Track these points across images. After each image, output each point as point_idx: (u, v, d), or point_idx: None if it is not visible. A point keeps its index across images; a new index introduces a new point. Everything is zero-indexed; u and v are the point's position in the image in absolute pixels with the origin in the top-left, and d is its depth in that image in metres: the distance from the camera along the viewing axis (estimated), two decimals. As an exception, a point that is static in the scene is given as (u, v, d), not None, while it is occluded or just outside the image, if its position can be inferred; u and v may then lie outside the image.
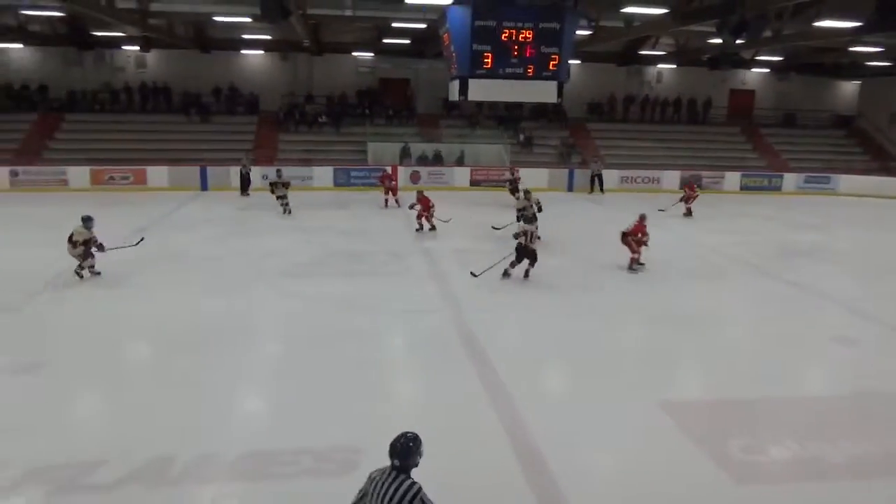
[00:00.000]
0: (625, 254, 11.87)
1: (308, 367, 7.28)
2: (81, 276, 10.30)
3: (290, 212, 16.74)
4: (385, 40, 22.62)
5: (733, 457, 5.60)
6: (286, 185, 17.02)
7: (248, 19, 17.71)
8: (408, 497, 3.26)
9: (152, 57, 24.73)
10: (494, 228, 14.07)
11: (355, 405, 6.28)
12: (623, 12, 16.21)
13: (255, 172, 20.50)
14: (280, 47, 24.53)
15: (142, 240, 11.69)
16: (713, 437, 5.92)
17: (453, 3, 10.07)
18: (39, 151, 21.84)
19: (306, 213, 17.03)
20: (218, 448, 5.46)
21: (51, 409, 6.18)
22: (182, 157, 21.77)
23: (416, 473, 3.47)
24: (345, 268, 11.67)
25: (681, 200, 18.17)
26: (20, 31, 21.55)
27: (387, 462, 3.44)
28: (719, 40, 18.56)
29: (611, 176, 23.12)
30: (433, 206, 14.76)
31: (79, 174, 20.55)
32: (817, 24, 15.74)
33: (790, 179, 24.59)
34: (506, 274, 10.83)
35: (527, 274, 10.84)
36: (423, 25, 18.20)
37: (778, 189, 24.36)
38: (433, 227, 14.75)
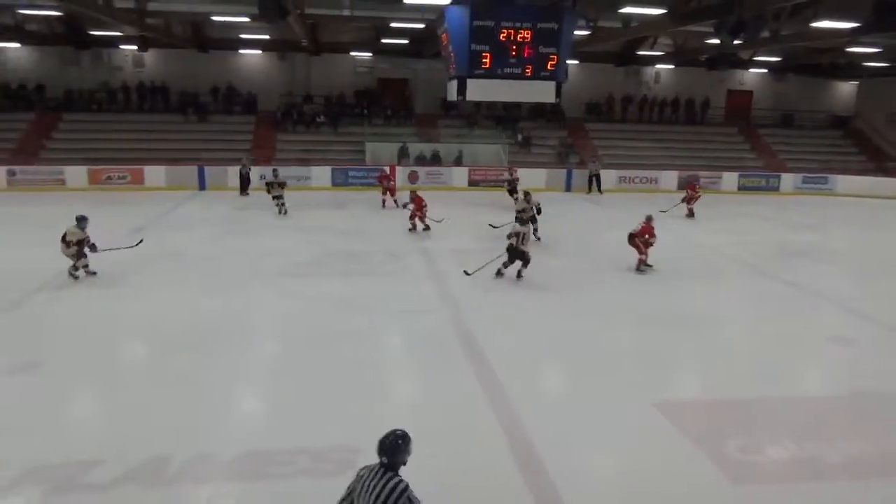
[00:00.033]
0: (623, 254, 11.89)
1: (306, 367, 7.27)
2: (76, 277, 10.25)
3: (285, 212, 16.72)
4: (383, 40, 22.62)
5: (730, 457, 5.61)
6: (282, 185, 16.99)
7: (245, 19, 17.72)
8: (394, 495, 3.26)
9: (150, 56, 24.69)
10: (492, 227, 14.08)
11: (353, 405, 6.27)
12: (621, 13, 16.22)
13: (255, 173, 20.49)
14: (278, 47, 24.51)
15: (140, 241, 11.65)
16: (710, 437, 5.93)
17: (452, 3, 10.07)
18: (37, 151, 21.79)
19: (304, 212, 17.02)
20: (215, 448, 5.45)
21: (48, 408, 6.17)
22: (180, 157, 21.74)
23: (413, 472, 3.47)
24: (343, 268, 11.67)
25: (682, 201, 18.06)
26: (17, 31, 21.50)
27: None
28: (717, 41, 18.61)
29: (609, 176, 23.13)
30: (426, 205, 14.76)
31: (76, 174, 20.52)
32: (815, 24, 15.77)
33: (787, 180, 24.63)
34: (499, 273, 10.85)
35: (519, 274, 10.84)
36: (421, 25, 18.20)
37: (775, 189, 24.39)
38: (427, 227, 14.76)
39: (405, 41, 22.67)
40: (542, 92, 10.39)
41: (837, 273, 12.41)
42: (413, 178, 22.19)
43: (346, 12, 18.12)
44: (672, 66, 27.11)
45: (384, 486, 3.29)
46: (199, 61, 24.58)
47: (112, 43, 23.65)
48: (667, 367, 7.71)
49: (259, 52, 25.14)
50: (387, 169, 21.06)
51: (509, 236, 10.76)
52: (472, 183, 22.91)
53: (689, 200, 18.02)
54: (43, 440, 5.55)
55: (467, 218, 16.53)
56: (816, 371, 8.07)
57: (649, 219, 11.78)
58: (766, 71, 27.67)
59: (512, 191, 19.00)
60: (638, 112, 27.53)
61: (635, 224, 11.85)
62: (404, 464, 3.45)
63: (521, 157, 23.90)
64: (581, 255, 13.21)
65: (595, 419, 6.20)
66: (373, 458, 3.48)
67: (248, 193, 19.93)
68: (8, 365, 7.05)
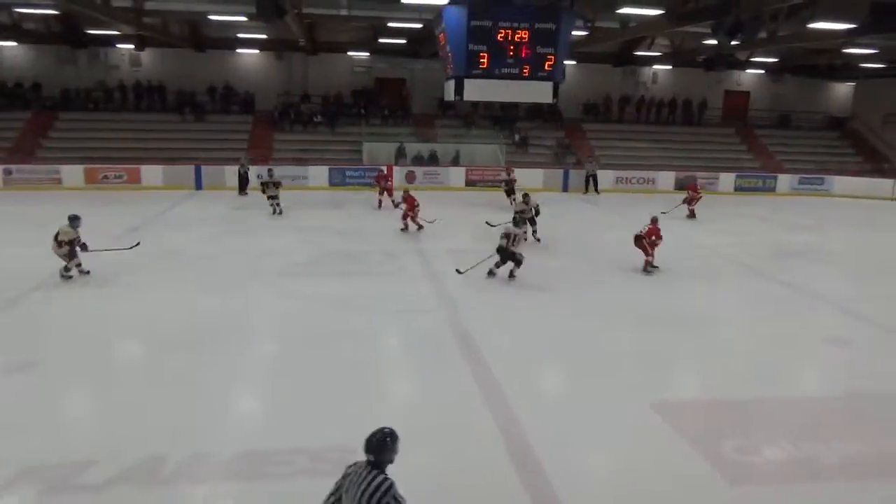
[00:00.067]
0: (621, 254, 11.91)
1: (303, 367, 7.26)
2: (69, 277, 10.18)
3: (280, 212, 16.65)
4: (381, 40, 22.62)
5: (727, 457, 5.61)
6: (277, 185, 16.90)
7: (243, 18, 17.70)
8: (379, 493, 3.26)
9: (147, 55, 24.64)
10: (489, 225, 14.08)
11: (350, 405, 6.26)
12: (619, 13, 16.22)
13: (253, 173, 20.45)
14: (275, 46, 24.48)
15: (137, 244, 11.55)
16: (707, 437, 5.93)
17: (449, 3, 10.06)
18: (33, 150, 21.74)
19: (301, 212, 17.00)
20: (212, 448, 5.44)
21: (43, 408, 6.16)
22: (177, 157, 21.71)
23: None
24: (340, 268, 11.66)
25: (684, 202, 17.97)
26: (14, 29, 21.45)
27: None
28: (714, 41, 18.62)
29: (606, 176, 23.15)
30: (418, 205, 14.75)
31: (72, 173, 20.48)
32: (812, 25, 15.79)
33: (784, 180, 24.68)
34: (490, 274, 10.86)
35: (511, 275, 10.84)
36: (418, 25, 18.19)
37: (772, 190, 24.45)
38: (420, 227, 14.75)
39: (403, 41, 22.66)
40: (539, 92, 10.38)
41: (834, 274, 12.43)
42: (410, 178, 22.19)
43: (344, 12, 18.09)
44: (669, 67, 27.14)
45: (369, 484, 3.29)
46: (196, 60, 24.53)
47: (109, 42, 23.60)
48: (664, 368, 7.71)
49: (256, 51, 25.11)
50: (384, 169, 21.05)
51: (501, 237, 10.76)
52: (470, 183, 22.91)
53: (690, 201, 17.96)
54: (39, 440, 5.53)
55: (464, 218, 16.54)
56: (813, 372, 8.08)
57: (654, 220, 11.81)
58: (763, 72, 27.73)
59: (509, 191, 19.01)
60: (635, 112, 27.57)
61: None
62: (391, 462, 3.44)
63: (518, 158, 23.90)
64: (579, 255, 13.22)
65: (592, 419, 6.20)
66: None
67: (246, 193, 19.91)
68: (4, 364, 7.02)
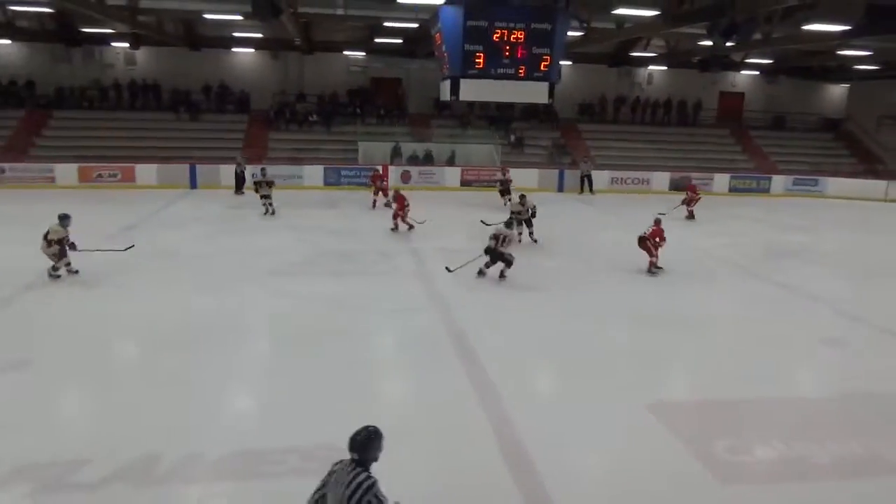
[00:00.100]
0: (616, 255, 11.96)
1: (298, 366, 7.25)
2: (58, 276, 10.10)
3: (273, 212, 16.55)
4: (377, 39, 22.59)
5: (720, 457, 5.63)
6: (270, 185, 16.80)
7: (238, 17, 17.64)
8: (360, 490, 3.27)
9: (142, 54, 24.55)
10: (484, 224, 14.09)
11: (344, 404, 6.25)
12: (614, 14, 16.25)
13: (250, 172, 20.36)
14: (271, 45, 24.44)
15: (131, 246, 11.43)
16: (700, 437, 5.95)
17: (445, 3, 10.05)
18: (26, 148, 21.64)
19: (296, 212, 16.97)
20: (206, 447, 5.43)
21: (38, 406, 6.14)
22: (171, 156, 21.64)
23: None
24: (335, 267, 11.65)
25: (682, 203, 17.97)
26: (8, 27, 21.38)
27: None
28: (709, 42, 18.68)
29: (601, 177, 23.19)
30: (409, 205, 14.75)
31: (66, 171, 20.41)
32: (806, 27, 15.84)
33: (778, 181, 24.76)
34: (480, 273, 10.87)
35: (502, 275, 10.84)
36: (415, 25, 18.17)
37: (766, 191, 24.53)
38: (410, 227, 14.75)
39: (399, 41, 22.65)
40: (535, 92, 10.38)
41: (828, 275, 12.48)
42: (406, 177, 22.20)
43: (340, 11, 18.06)
44: (665, 68, 27.20)
45: (352, 481, 3.30)
46: (192, 59, 24.47)
47: (103, 40, 23.51)
48: (659, 368, 7.73)
49: (252, 50, 25.06)
50: (380, 168, 21.04)
51: (490, 238, 10.76)
52: (465, 183, 22.92)
53: (689, 202, 17.97)
54: (32, 438, 5.52)
55: (460, 218, 16.54)
56: (807, 372, 8.11)
57: (658, 221, 11.88)
58: (757, 73, 27.81)
59: (503, 191, 19.03)
60: (630, 113, 27.60)
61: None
62: (375, 460, 3.45)
63: (513, 158, 23.93)
64: (574, 255, 13.24)
65: (586, 419, 6.21)
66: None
67: (243, 192, 19.84)
68: (-3, 363, 7.00)
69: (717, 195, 23.30)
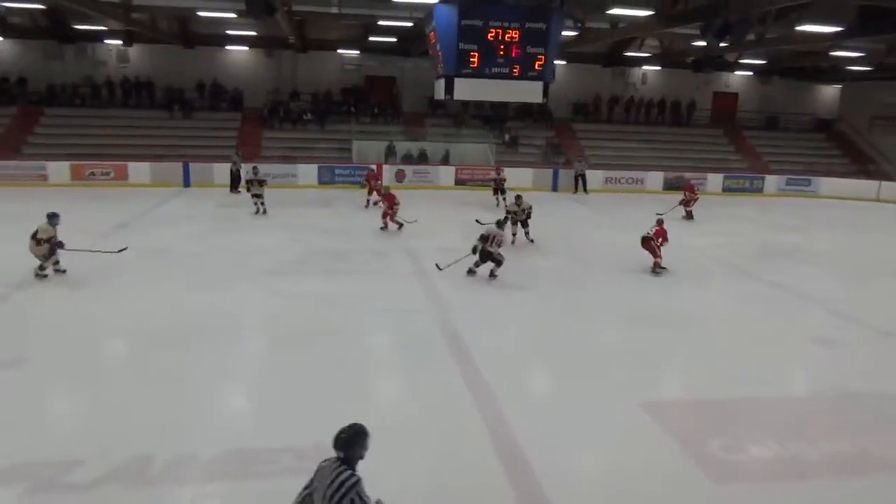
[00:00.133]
0: (610, 254, 11.98)
1: (291, 365, 7.23)
2: (45, 276, 10.01)
3: (264, 211, 16.44)
4: (371, 38, 22.56)
5: (714, 456, 5.65)
6: (262, 184, 16.62)
7: (232, 15, 17.56)
8: (343, 488, 3.25)
9: (135, 51, 24.44)
10: (479, 223, 14.08)
11: (338, 403, 6.23)
12: (609, 14, 16.26)
13: (245, 170, 20.29)
14: (265, 44, 24.36)
15: (124, 249, 11.18)
16: (694, 436, 5.97)
17: (440, 2, 10.05)
18: (18, 146, 21.49)
19: (290, 210, 16.92)
20: (199, 447, 5.41)
21: (31, 405, 6.11)
22: (165, 154, 21.55)
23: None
24: (328, 266, 11.63)
25: (680, 203, 17.96)
26: (0, 23, 21.20)
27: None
28: (703, 43, 18.73)
29: (595, 176, 23.22)
30: (398, 204, 14.73)
31: (58, 169, 20.29)
32: (799, 28, 15.91)
33: (771, 181, 24.88)
34: (470, 272, 10.87)
35: (492, 274, 10.83)
36: (409, 24, 18.16)
37: (759, 191, 24.64)
38: (399, 226, 14.72)
39: (393, 39, 22.62)
40: (529, 92, 10.41)
41: (821, 275, 12.53)
42: (400, 176, 22.19)
43: (335, 10, 18.03)
44: (659, 68, 27.26)
45: (335, 479, 3.29)
46: (185, 57, 24.36)
47: (96, 37, 23.36)
48: (653, 368, 7.75)
49: (246, 48, 24.95)
50: (374, 167, 21.00)
51: (479, 238, 10.73)
52: (459, 182, 22.91)
53: (686, 203, 17.98)
54: (25, 438, 5.48)
55: (454, 217, 16.53)
56: (800, 371, 8.15)
57: (660, 221, 11.99)
58: (751, 73, 27.91)
59: (496, 189, 19.03)
60: (624, 113, 27.66)
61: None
62: (361, 458, 3.44)
63: (507, 157, 23.93)
64: (568, 255, 13.26)
65: (581, 419, 6.22)
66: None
67: (238, 191, 19.76)
68: (-11, 362, 6.95)
69: (711, 195, 23.35)
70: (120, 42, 23.48)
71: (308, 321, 8.70)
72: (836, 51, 20.52)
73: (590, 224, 17.62)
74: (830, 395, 7.16)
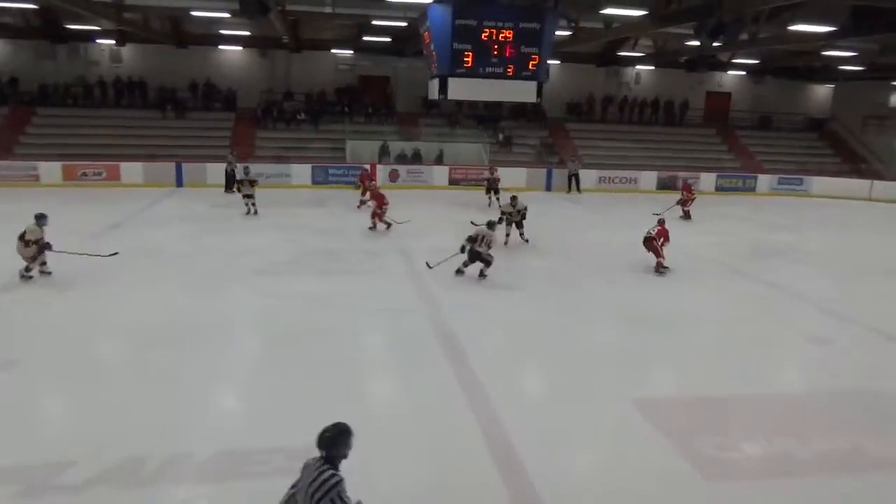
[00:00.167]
0: (603, 254, 11.99)
1: (284, 366, 7.22)
2: (30, 277, 9.92)
3: (255, 212, 16.35)
4: (365, 38, 22.52)
5: (707, 454, 5.66)
6: (253, 184, 16.49)
7: (226, 14, 17.51)
8: (324, 488, 3.24)
9: (127, 51, 24.33)
10: (473, 224, 14.07)
11: (331, 404, 6.18)
12: (602, 14, 16.29)
13: (240, 170, 20.20)
14: (258, 43, 24.29)
15: (115, 253, 11.07)
16: (687, 434, 5.98)
17: (434, 2, 10.04)
18: (10, 146, 21.36)
19: (284, 210, 16.88)
20: (191, 447, 5.39)
21: (21, 408, 6.07)
22: (157, 154, 21.47)
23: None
24: (321, 266, 11.60)
25: (677, 203, 17.95)
26: (-9, 23, 21.12)
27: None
28: (697, 43, 18.77)
29: (589, 176, 23.26)
30: (387, 203, 14.69)
31: (50, 170, 20.18)
32: (792, 28, 15.96)
33: (764, 181, 24.97)
34: (459, 272, 10.87)
35: (481, 274, 10.83)
36: (403, 23, 18.14)
37: (752, 190, 24.73)
38: (388, 226, 14.69)
39: (387, 39, 22.59)
40: (523, 92, 10.39)
41: (813, 273, 12.57)
42: (393, 176, 22.17)
43: (328, 9, 17.98)
44: (652, 68, 27.33)
45: (317, 478, 3.28)
46: (178, 57, 24.26)
47: (89, 37, 23.24)
48: (646, 366, 7.76)
49: (239, 48, 24.87)
50: (368, 167, 20.97)
51: (468, 238, 10.72)
52: (453, 182, 22.91)
53: (684, 203, 17.98)
54: (16, 439, 5.45)
55: (448, 217, 16.52)
56: (793, 370, 8.18)
57: (662, 221, 12.03)
58: (744, 73, 28.01)
59: (489, 189, 19.02)
60: (618, 112, 27.71)
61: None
62: (345, 457, 3.43)
63: (501, 157, 23.95)
64: (561, 254, 13.26)
65: (574, 418, 6.22)
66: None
67: (233, 191, 19.63)
68: (-20, 363, 6.90)
69: (704, 194, 23.35)
70: (112, 42, 23.36)
71: (301, 321, 8.68)
72: (828, 50, 20.60)
73: (583, 224, 17.63)
74: (823, 394, 7.19)
